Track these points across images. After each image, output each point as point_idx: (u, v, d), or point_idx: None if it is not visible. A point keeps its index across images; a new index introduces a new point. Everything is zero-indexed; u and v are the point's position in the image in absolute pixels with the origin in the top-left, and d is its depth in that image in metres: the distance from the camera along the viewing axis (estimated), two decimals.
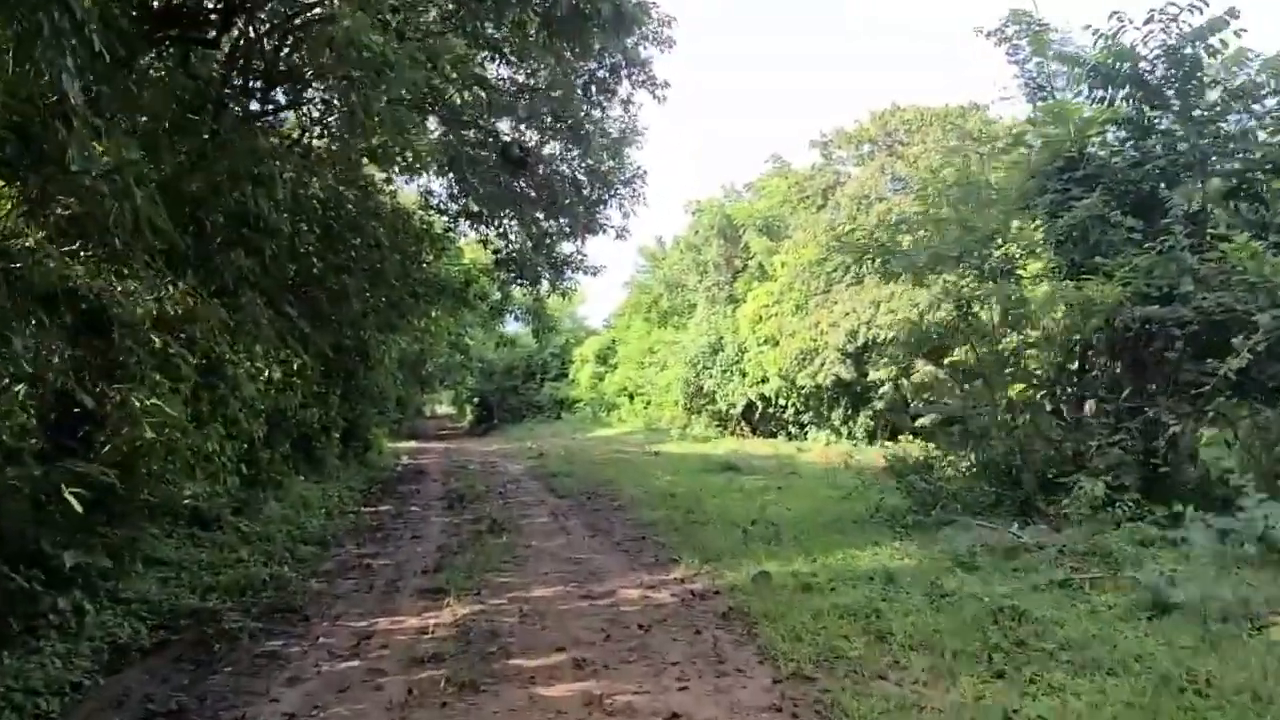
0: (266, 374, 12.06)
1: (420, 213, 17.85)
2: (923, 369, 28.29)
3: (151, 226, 6.59)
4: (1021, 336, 11.65)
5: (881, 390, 27.95)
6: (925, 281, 12.14)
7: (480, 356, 51.86)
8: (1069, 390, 12.33)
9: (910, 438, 29.02)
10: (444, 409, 71.56)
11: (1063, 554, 8.16)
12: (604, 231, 15.07)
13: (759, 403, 34.56)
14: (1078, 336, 11.45)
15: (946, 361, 15.32)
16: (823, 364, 29.11)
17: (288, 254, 12.29)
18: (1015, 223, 12.15)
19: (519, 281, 16.44)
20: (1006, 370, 12.13)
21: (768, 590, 7.36)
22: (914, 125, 28.42)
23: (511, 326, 28.10)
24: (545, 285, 18.01)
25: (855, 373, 28.78)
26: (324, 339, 13.84)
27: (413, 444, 33.92)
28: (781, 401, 33.08)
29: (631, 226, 15.56)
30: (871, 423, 30.47)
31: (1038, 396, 12.48)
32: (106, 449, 7.50)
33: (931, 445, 13.06)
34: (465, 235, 18.19)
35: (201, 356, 9.39)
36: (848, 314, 28.33)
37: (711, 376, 36.18)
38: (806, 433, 33.39)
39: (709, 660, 5.87)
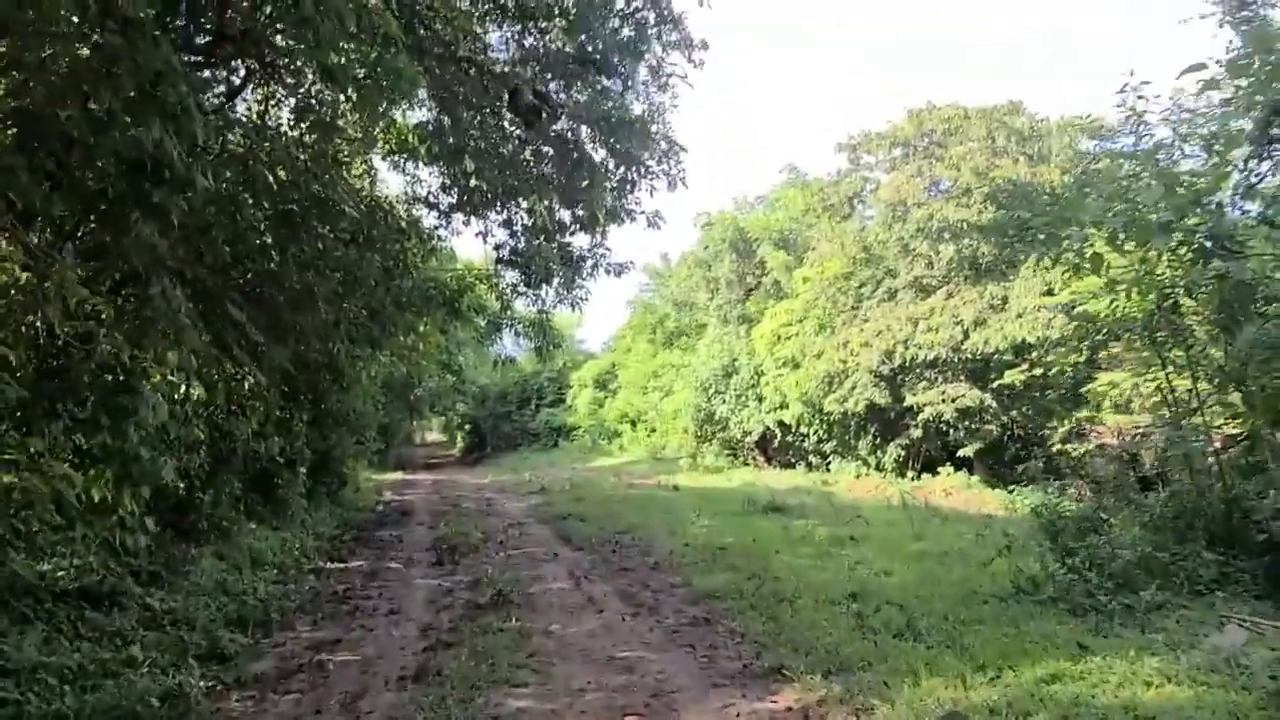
0: (189, 392, 9.19)
1: (406, 206, 15.08)
2: (969, 393, 25.59)
3: None
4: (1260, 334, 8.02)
5: (921, 417, 25.06)
6: (1094, 268, 8.86)
7: (473, 380, 48.99)
8: None
9: (952, 470, 26.36)
10: (434, 435, 68.51)
11: None
12: (632, 219, 12.24)
13: (777, 430, 31.69)
14: None
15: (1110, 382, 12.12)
16: (853, 388, 26.28)
17: (227, 233, 9.52)
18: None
19: (524, 284, 13.41)
20: (1228, 387, 8.73)
21: None
22: (954, 125, 25.80)
23: (507, 345, 25.04)
24: (554, 291, 15.16)
25: (890, 397, 25.94)
26: (282, 352, 10.95)
27: (398, 475, 30.90)
28: (803, 429, 30.21)
29: (667, 211, 12.64)
30: (902, 452, 27.52)
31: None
32: None
33: (1060, 489, 10.06)
34: (459, 232, 15.41)
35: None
36: (880, 333, 25.57)
37: (724, 402, 33.31)
38: (829, 463, 30.51)
39: None
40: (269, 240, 11.01)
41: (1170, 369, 9.16)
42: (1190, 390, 9.07)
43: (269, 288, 10.96)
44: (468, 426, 55.85)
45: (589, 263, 12.91)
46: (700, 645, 6.92)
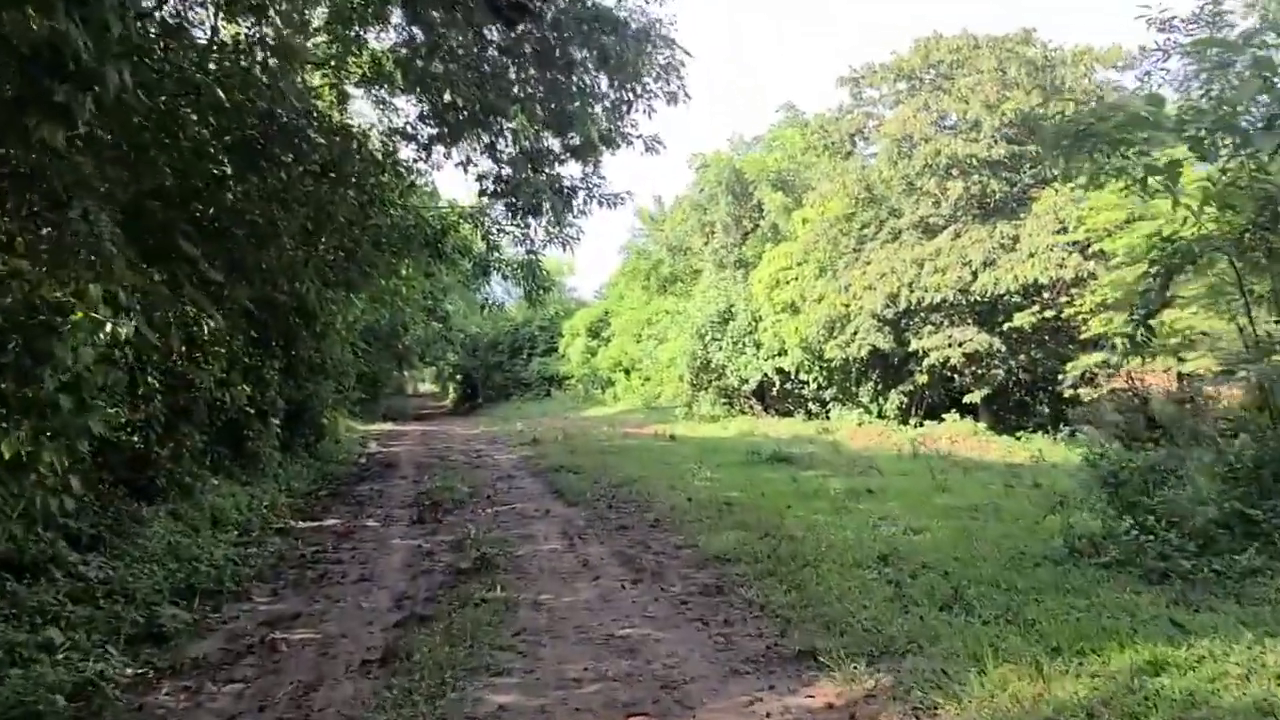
0: (117, 333, 8.14)
1: (383, 138, 13.92)
2: (976, 336, 24.64)
3: None
4: None
5: (926, 362, 24.13)
6: (1169, 177, 7.63)
7: (462, 328, 47.92)
8: None
9: (958, 417, 25.50)
10: (427, 386, 67.58)
11: None
12: (628, 143, 11.04)
13: (775, 378, 30.78)
14: None
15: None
16: (855, 332, 25.31)
17: (170, 157, 8.45)
18: None
19: (510, 217, 12.18)
20: None
21: None
22: (962, 56, 24.47)
23: (497, 290, 23.97)
24: (543, 228, 14.02)
25: (894, 342, 24.99)
26: (244, 292, 9.93)
27: (388, 427, 30.00)
28: (803, 376, 29.30)
29: (666, 134, 11.35)
30: (905, 399, 26.62)
31: None
32: None
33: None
34: (439, 166, 14.26)
35: None
36: (884, 275, 24.52)
37: (721, 349, 32.31)
38: (829, 411, 29.67)
39: None
40: (228, 171, 9.93)
41: (1250, 299, 8.13)
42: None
43: (229, 222, 9.90)
44: (459, 377, 54.92)
45: (581, 194, 11.72)
46: (713, 620, 5.96)
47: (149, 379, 9.63)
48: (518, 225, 15.87)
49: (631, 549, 8.27)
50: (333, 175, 11.84)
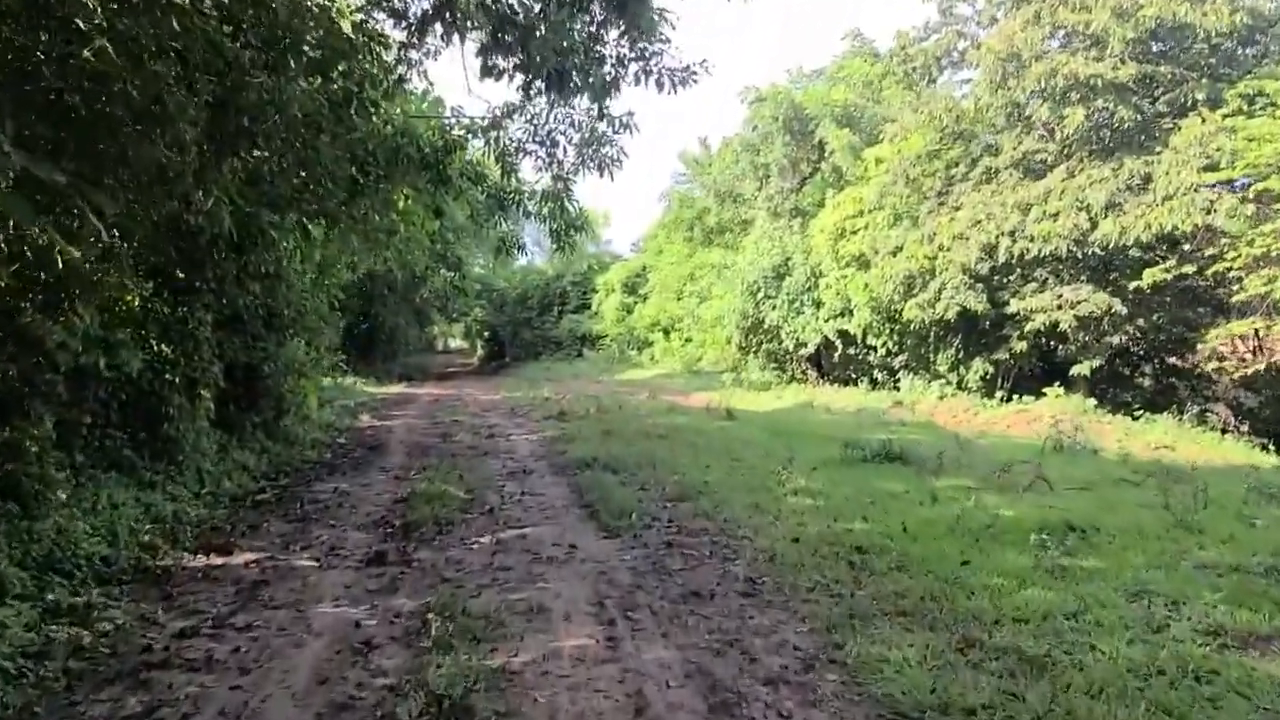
0: None
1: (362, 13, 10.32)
2: (1093, 296, 20.64)
3: None
4: None
5: (1030, 326, 20.20)
6: None
7: (484, 280, 44.46)
8: None
9: (1060, 392, 21.53)
10: (457, 343, 64.34)
11: None
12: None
13: (838, 341, 26.96)
14: None
15: None
16: (941, 290, 21.42)
17: None
18: None
19: (524, 85, 8.00)
20: None
21: None
22: None
23: (525, 237, 20.36)
24: (574, 138, 10.44)
25: (987, 302, 21.07)
26: (110, 204, 6.40)
27: (398, 389, 26.58)
28: (870, 340, 25.47)
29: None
30: (990, 369, 22.62)
31: None
32: None
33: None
34: (435, 54, 10.58)
35: None
36: (979, 222, 20.55)
37: (775, 308, 28.49)
38: (898, 380, 25.85)
39: None
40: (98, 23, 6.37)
41: None
42: None
43: (90, 89, 6.38)
44: (485, 334, 51.53)
45: (633, 67, 7.79)
46: None
47: None
48: (540, 142, 12.30)
49: (720, 657, 4.65)
50: (283, 44, 8.41)
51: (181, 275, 9.48)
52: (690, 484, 9.24)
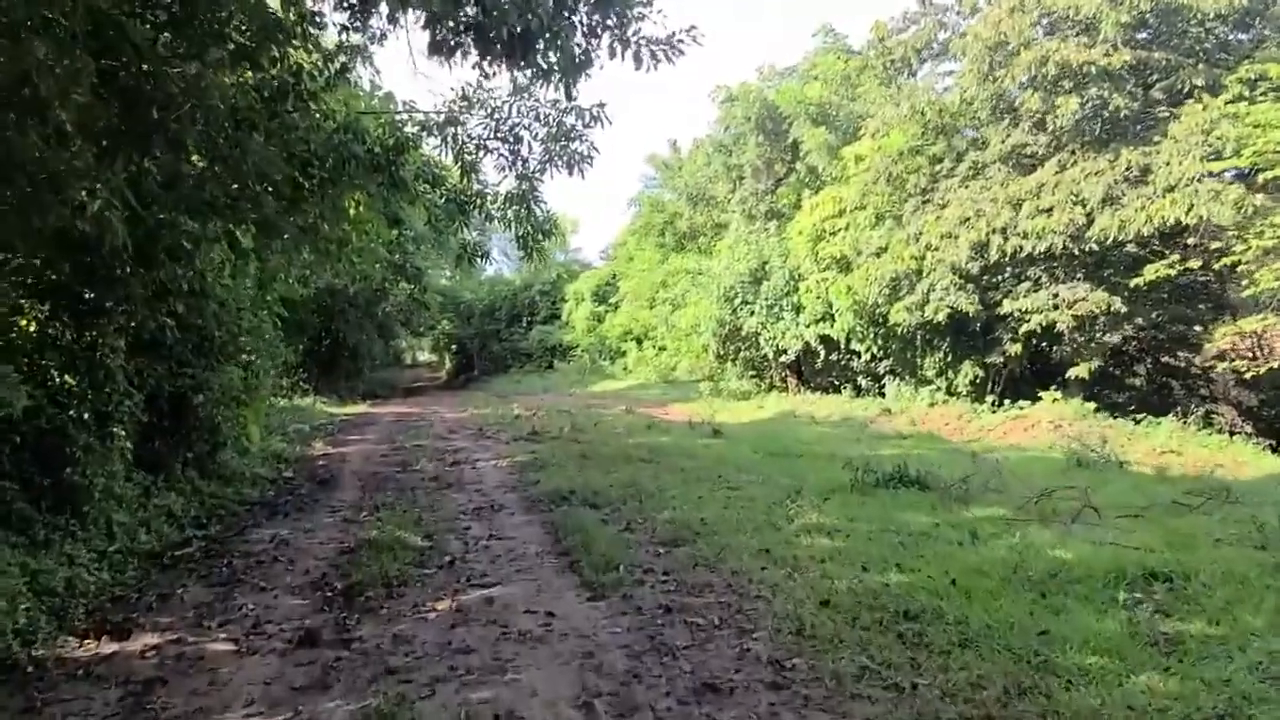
0: None
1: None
2: (1091, 295, 19.69)
3: None
4: None
5: (1025, 328, 19.19)
6: None
7: (450, 292, 43.07)
8: None
9: (1057, 396, 20.56)
10: (426, 356, 62.71)
11: None
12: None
13: (820, 347, 25.89)
14: None
15: None
16: (930, 291, 20.38)
17: None
18: None
19: (480, 55, 6.54)
20: None
21: None
22: None
23: (491, 249, 19.21)
24: (539, 136, 9.35)
25: (978, 303, 20.05)
26: None
27: (361, 408, 25.15)
28: (854, 346, 24.40)
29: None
30: (980, 373, 21.60)
31: None
32: None
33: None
34: (380, 37, 9.35)
35: None
36: (968, 219, 19.55)
37: (753, 313, 27.39)
38: (883, 386, 24.83)
39: None
40: None
41: None
42: None
43: None
44: (453, 347, 50.06)
45: (606, 36, 6.45)
46: None
47: None
48: (503, 139, 11.09)
49: None
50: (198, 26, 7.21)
51: (88, 295, 8.13)
52: (684, 522, 7.98)
